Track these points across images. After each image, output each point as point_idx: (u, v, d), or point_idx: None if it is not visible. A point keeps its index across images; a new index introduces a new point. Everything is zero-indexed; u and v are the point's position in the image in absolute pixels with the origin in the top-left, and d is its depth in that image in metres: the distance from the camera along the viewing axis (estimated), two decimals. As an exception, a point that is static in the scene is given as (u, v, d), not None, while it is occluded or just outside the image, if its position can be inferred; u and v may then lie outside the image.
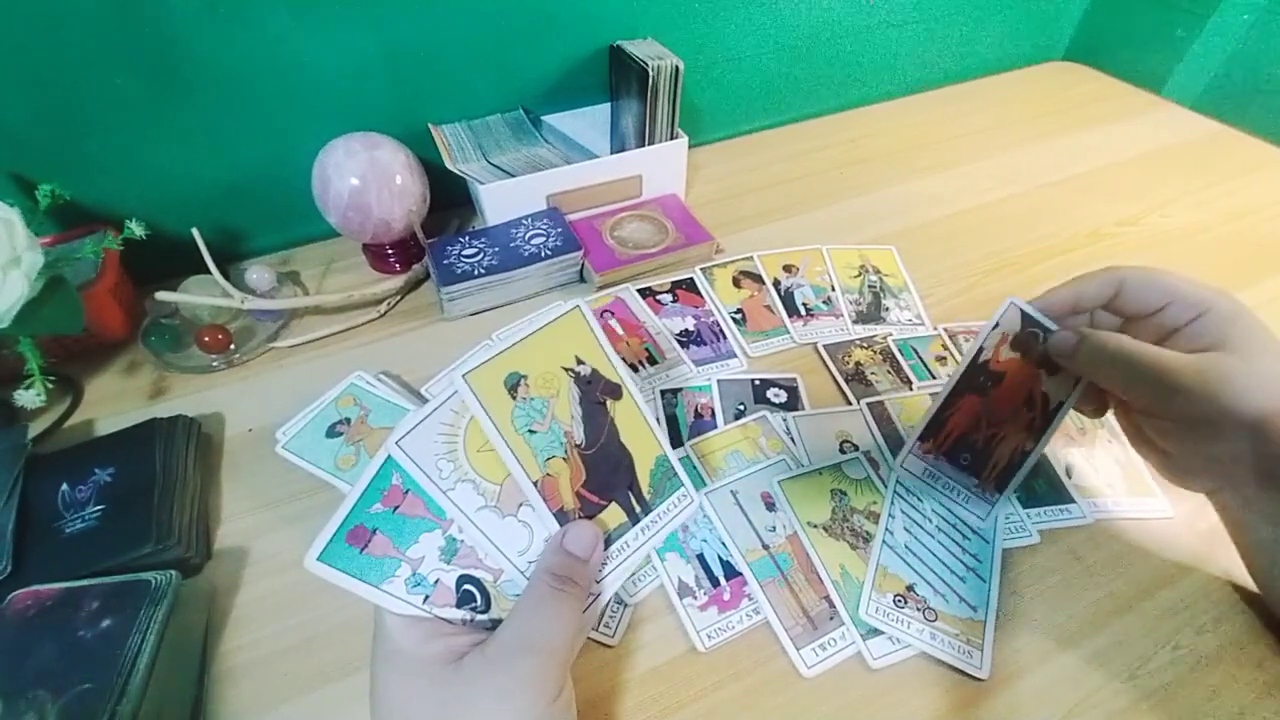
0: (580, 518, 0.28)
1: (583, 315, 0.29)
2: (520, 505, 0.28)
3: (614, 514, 0.29)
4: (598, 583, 0.30)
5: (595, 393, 0.29)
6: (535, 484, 0.28)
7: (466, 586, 0.28)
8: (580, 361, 0.29)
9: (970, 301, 0.60)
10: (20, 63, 0.51)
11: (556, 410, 0.28)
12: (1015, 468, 0.40)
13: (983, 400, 0.40)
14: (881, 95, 0.91)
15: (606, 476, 0.29)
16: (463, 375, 0.27)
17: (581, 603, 0.28)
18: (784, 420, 0.49)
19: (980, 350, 0.40)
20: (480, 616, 0.28)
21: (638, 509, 0.30)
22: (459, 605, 0.28)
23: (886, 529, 0.42)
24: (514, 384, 0.28)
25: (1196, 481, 0.37)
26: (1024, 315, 0.39)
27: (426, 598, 0.27)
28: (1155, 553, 0.42)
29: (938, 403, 0.41)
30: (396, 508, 0.27)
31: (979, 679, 0.36)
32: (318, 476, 0.45)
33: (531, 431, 0.28)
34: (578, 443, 0.28)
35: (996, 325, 0.39)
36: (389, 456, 0.27)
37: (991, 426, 0.40)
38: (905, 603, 0.39)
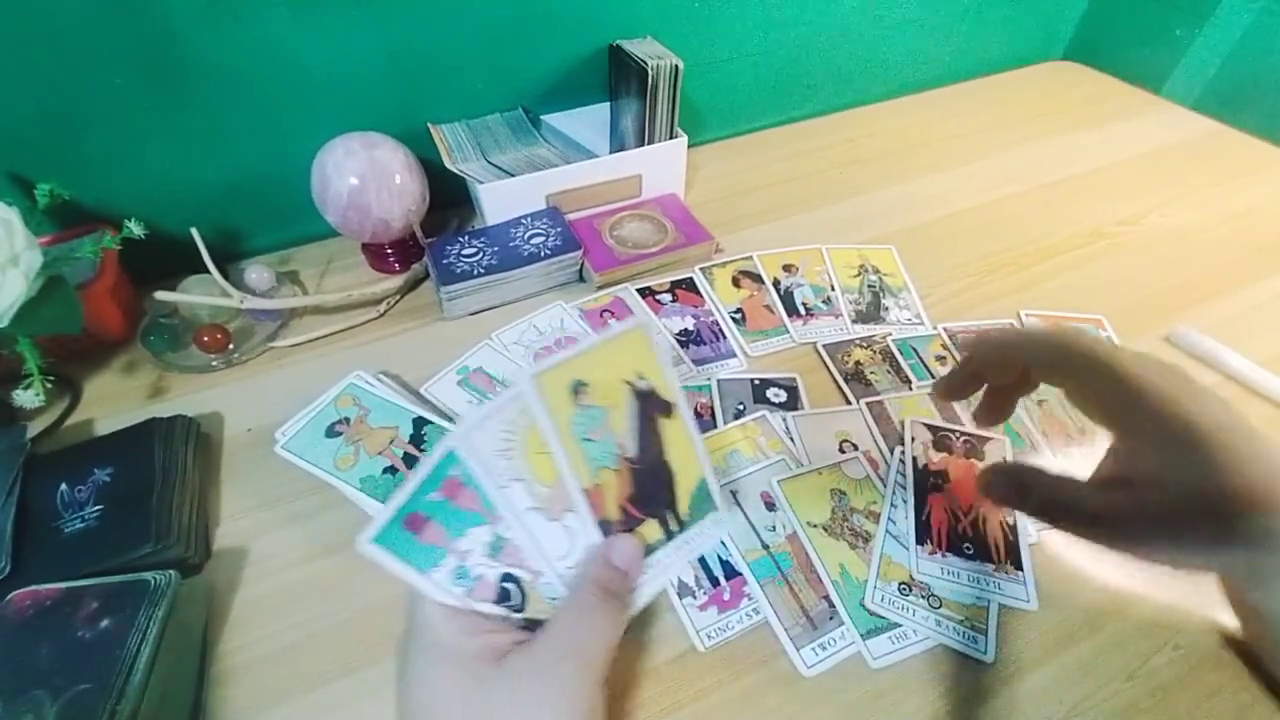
0: (620, 530, 0.29)
1: (646, 334, 0.29)
2: (566, 511, 0.28)
3: (652, 529, 0.29)
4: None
5: (650, 408, 0.29)
6: (585, 492, 0.28)
7: (506, 584, 0.28)
8: (641, 377, 0.29)
9: (970, 301, 0.60)
10: (19, 62, 0.51)
11: (613, 421, 0.28)
12: (1014, 540, 0.42)
13: (945, 496, 0.44)
14: (881, 95, 0.91)
15: (651, 492, 0.29)
16: (532, 375, 0.27)
17: (621, 616, 0.28)
18: (783, 420, 0.49)
19: (914, 460, 0.46)
20: (515, 615, 0.28)
21: (674, 527, 0.30)
22: (497, 602, 0.28)
23: (889, 519, 0.43)
24: (577, 389, 0.28)
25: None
26: (926, 425, 0.48)
27: (469, 590, 0.27)
28: (1155, 552, 0.42)
29: (911, 510, 0.43)
30: (452, 498, 0.28)
31: (985, 662, 0.37)
32: (317, 476, 0.45)
33: (588, 439, 0.28)
34: (629, 456, 0.29)
35: (914, 439, 0.47)
36: (453, 449, 0.27)
37: (968, 514, 0.43)
38: (910, 590, 0.39)
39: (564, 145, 0.70)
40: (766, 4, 0.75)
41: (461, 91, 0.67)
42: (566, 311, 0.59)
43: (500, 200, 0.63)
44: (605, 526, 0.28)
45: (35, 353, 0.47)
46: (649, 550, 0.29)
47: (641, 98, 0.63)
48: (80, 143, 0.56)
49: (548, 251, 0.60)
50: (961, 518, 0.43)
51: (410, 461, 0.46)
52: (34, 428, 0.49)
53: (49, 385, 0.47)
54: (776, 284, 0.61)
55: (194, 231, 0.56)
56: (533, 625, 0.28)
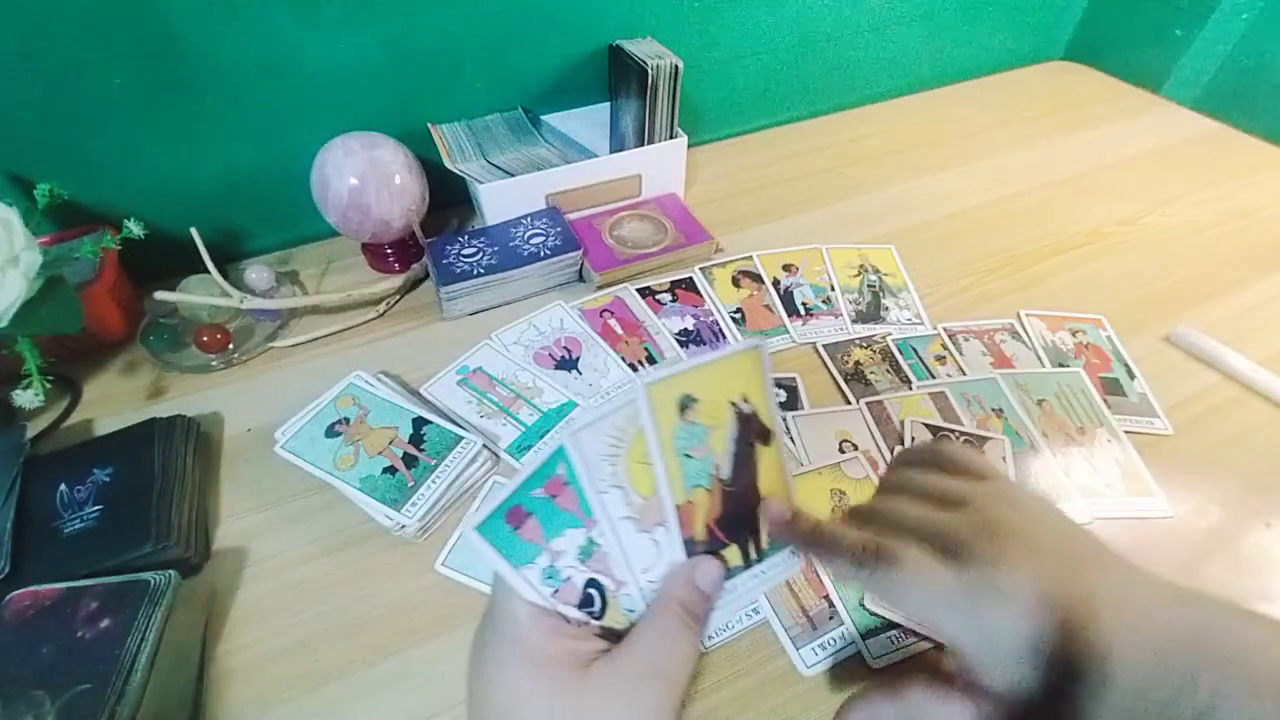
0: (703, 551, 0.29)
1: (759, 358, 0.30)
2: (657, 524, 0.28)
3: (733, 554, 0.30)
4: None
5: (749, 433, 0.30)
6: (677, 508, 0.28)
7: (590, 590, 0.28)
8: (745, 400, 0.29)
9: (970, 301, 0.60)
10: (19, 62, 0.51)
11: (713, 441, 0.29)
12: None
13: None
14: (881, 95, 0.91)
15: (737, 517, 0.30)
16: (645, 384, 0.27)
17: (699, 639, 0.28)
18: (783, 420, 0.49)
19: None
20: (594, 622, 0.28)
21: (753, 555, 0.30)
22: (579, 606, 0.28)
23: None
24: (685, 405, 0.28)
25: None
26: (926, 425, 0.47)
27: (555, 591, 0.28)
28: (1154, 552, 0.42)
29: None
30: (554, 497, 0.28)
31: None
32: (317, 476, 0.45)
33: (687, 455, 0.28)
34: (723, 477, 0.29)
35: (914, 439, 0.47)
36: (561, 445, 0.27)
37: None
38: None
39: (564, 145, 0.70)
40: (766, 4, 0.75)
41: (461, 91, 0.67)
42: (566, 311, 0.59)
43: (500, 200, 0.63)
44: (689, 545, 0.28)
45: (35, 352, 0.47)
46: (727, 575, 0.29)
47: (641, 98, 0.63)
48: (80, 142, 0.56)
49: (547, 251, 0.60)
50: None
51: (410, 461, 0.46)
52: (34, 428, 0.49)
53: (49, 385, 0.47)
54: (776, 284, 0.61)
55: (194, 231, 0.56)
56: (607, 634, 0.28)
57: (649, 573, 0.28)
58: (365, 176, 0.56)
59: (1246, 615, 0.23)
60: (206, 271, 0.56)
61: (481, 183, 0.61)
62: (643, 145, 0.66)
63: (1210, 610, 0.23)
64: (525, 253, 0.60)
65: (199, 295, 0.55)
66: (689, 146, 0.69)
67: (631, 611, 0.28)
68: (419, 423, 0.48)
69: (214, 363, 0.55)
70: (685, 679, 0.27)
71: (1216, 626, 0.23)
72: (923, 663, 0.37)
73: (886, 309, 0.59)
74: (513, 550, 0.27)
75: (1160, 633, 0.23)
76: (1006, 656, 0.24)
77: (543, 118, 0.71)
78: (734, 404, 0.29)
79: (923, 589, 0.25)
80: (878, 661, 0.37)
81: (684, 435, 0.28)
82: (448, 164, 0.63)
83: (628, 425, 0.28)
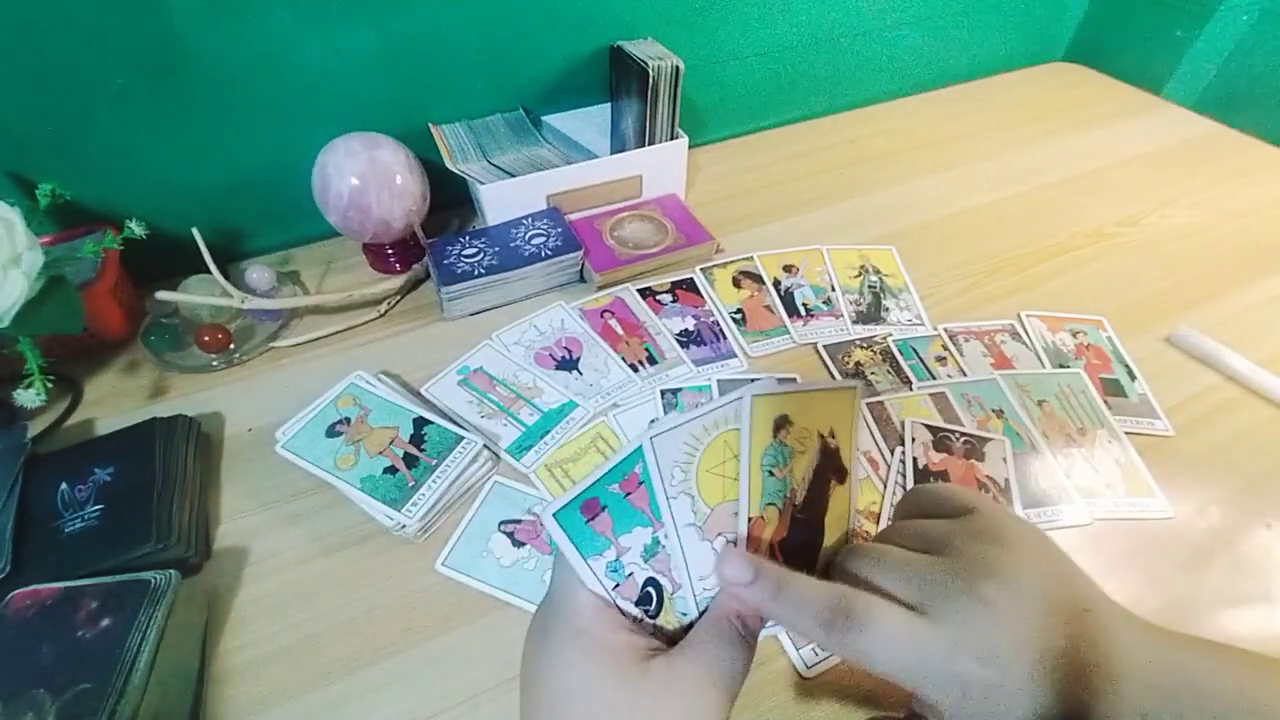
0: None
1: (855, 398, 0.31)
2: (719, 535, 0.29)
3: None
4: None
5: (828, 467, 0.30)
6: (749, 519, 0.28)
7: (649, 588, 0.29)
8: (832, 435, 0.30)
9: (970, 301, 0.60)
10: (20, 62, 0.51)
11: (795, 466, 0.29)
12: None
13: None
14: (881, 95, 0.91)
15: (798, 546, 0.30)
16: (752, 394, 0.28)
17: (751, 655, 0.28)
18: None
19: (914, 460, 0.47)
20: (648, 619, 0.29)
21: None
22: (636, 603, 0.29)
23: (889, 519, 0.42)
24: (780, 424, 0.29)
25: None
26: (926, 426, 0.48)
27: (617, 585, 0.28)
28: (1155, 553, 0.42)
29: None
30: (629, 494, 0.29)
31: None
32: (317, 476, 0.45)
33: (770, 473, 0.29)
34: (796, 503, 0.30)
35: (914, 439, 0.48)
36: (640, 446, 0.28)
37: None
38: None
39: (565, 146, 0.70)
40: (767, 5, 0.75)
41: (462, 92, 0.67)
42: (567, 312, 0.59)
43: (501, 200, 0.63)
44: None
45: (36, 352, 0.47)
46: None
47: (642, 98, 0.63)
48: (81, 143, 0.56)
49: (548, 252, 0.60)
50: None
51: (410, 461, 0.46)
52: (35, 427, 0.49)
53: (50, 385, 0.47)
54: (777, 284, 0.61)
55: (195, 231, 0.56)
56: (658, 633, 0.29)
57: (705, 580, 0.29)
58: (366, 177, 0.56)
59: (1226, 661, 0.23)
60: (208, 271, 0.56)
61: (482, 183, 0.61)
62: (643, 146, 0.66)
63: (1189, 657, 0.24)
64: (526, 253, 0.60)
65: (200, 295, 0.55)
66: (690, 147, 0.69)
67: (685, 615, 0.29)
68: (419, 423, 0.48)
69: (215, 362, 0.56)
70: (738, 690, 0.27)
71: (1198, 675, 0.23)
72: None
73: (887, 310, 0.59)
74: (584, 540, 0.28)
75: (1143, 684, 0.23)
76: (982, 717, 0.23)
77: (544, 118, 0.72)
78: (821, 435, 0.30)
79: (896, 652, 0.24)
80: (878, 662, 0.37)
81: (772, 452, 0.29)
82: (448, 164, 0.63)
83: (702, 435, 0.28)
